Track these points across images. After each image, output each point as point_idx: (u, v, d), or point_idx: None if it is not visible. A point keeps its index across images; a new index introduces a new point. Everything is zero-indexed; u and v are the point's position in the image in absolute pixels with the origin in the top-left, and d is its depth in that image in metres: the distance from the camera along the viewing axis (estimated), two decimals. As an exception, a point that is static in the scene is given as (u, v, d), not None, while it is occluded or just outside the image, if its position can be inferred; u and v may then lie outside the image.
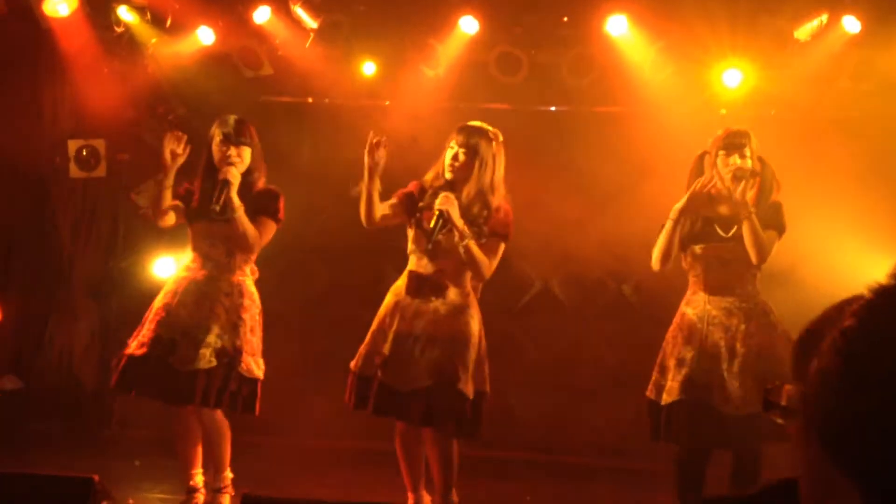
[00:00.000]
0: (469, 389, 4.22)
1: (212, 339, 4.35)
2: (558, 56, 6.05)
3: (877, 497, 0.90)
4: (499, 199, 4.31)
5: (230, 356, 4.36)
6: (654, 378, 4.35)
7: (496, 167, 4.31)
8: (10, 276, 6.46)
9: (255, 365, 4.45)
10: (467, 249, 4.18)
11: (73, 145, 6.29)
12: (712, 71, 5.85)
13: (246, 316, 4.43)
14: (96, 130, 6.34)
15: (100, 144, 6.32)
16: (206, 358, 4.33)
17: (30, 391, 6.34)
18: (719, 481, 4.33)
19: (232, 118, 4.50)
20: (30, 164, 6.35)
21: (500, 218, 4.30)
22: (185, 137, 4.54)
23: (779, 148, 5.35)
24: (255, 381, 4.46)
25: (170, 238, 6.42)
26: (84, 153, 6.28)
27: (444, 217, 4.14)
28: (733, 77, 5.79)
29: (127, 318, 6.53)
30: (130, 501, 4.74)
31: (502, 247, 4.33)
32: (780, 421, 1.15)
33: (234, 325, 4.39)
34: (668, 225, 4.28)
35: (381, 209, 4.28)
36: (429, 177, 4.39)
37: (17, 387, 6.30)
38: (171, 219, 4.51)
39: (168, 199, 4.44)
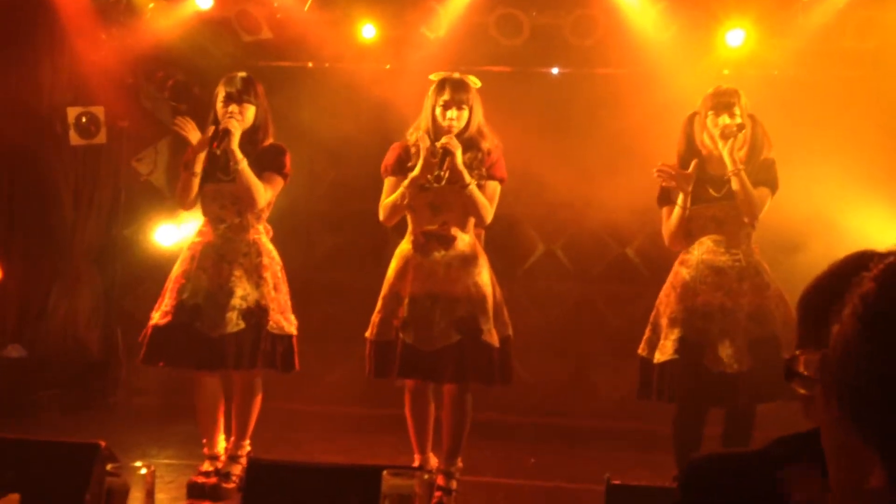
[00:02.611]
0: (494, 338, 4.29)
1: (236, 301, 4.34)
2: (560, 17, 5.99)
3: None
4: (488, 141, 4.33)
5: (257, 316, 4.36)
6: (646, 335, 4.40)
7: (479, 112, 4.36)
8: (12, 244, 6.46)
9: (284, 321, 4.45)
10: (470, 194, 4.21)
11: (72, 112, 6.26)
12: (715, 31, 5.79)
13: (267, 274, 4.42)
14: (95, 97, 6.30)
15: (99, 111, 6.28)
16: (234, 321, 4.32)
17: (34, 359, 6.36)
18: (715, 441, 4.36)
19: (239, 76, 4.44)
20: (29, 132, 6.32)
21: (493, 161, 4.34)
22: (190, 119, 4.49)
23: (782, 108, 5.32)
24: (288, 337, 4.46)
25: (172, 205, 6.42)
26: (83, 120, 6.25)
27: (449, 154, 4.16)
28: (736, 37, 5.74)
29: (130, 284, 6.57)
30: (138, 463, 4.77)
31: (499, 189, 4.37)
32: (801, 391, 1.14)
33: (256, 285, 4.38)
34: (677, 210, 4.28)
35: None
36: (413, 137, 4.37)
37: (22, 355, 6.32)
38: (197, 203, 4.49)
39: (196, 187, 4.40)
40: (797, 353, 1.15)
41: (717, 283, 4.26)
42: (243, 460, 4.41)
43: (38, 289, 6.51)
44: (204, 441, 4.49)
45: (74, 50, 6.22)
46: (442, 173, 4.19)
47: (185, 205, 4.50)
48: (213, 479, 4.41)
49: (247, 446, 4.51)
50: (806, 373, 1.10)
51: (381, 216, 4.41)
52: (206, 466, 4.45)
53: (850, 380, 0.91)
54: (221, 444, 4.50)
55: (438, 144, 4.21)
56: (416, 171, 4.26)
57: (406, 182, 4.28)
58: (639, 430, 5.65)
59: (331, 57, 6.34)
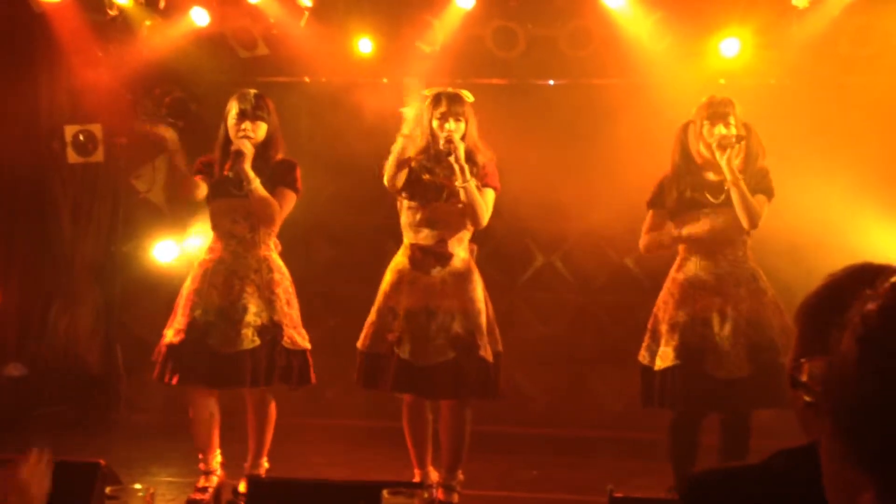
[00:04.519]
0: (488, 354, 4.30)
1: (250, 318, 4.34)
2: (555, 29, 6.01)
3: (890, 490, 0.87)
4: (483, 155, 4.37)
5: (272, 332, 4.36)
6: (645, 343, 4.41)
7: (473, 126, 4.39)
8: (11, 262, 6.46)
9: (298, 336, 4.45)
10: (468, 191, 4.24)
11: (69, 131, 6.27)
12: (710, 41, 5.81)
13: (279, 290, 4.43)
14: (93, 115, 6.31)
15: (97, 129, 6.30)
16: (249, 338, 4.32)
17: (35, 377, 6.35)
18: (711, 451, 4.35)
19: (252, 93, 4.47)
20: (27, 151, 6.33)
21: (488, 171, 4.37)
22: (169, 120, 4.50)
23: (779, 116, 5.33)
24: (303, 352, 4.46)
25: (170, 221, 6.42)
26: (81, 138, 6.26)
27: (453, 147, 4.19)
28: (731, 46, 5.75)
29: (129, 301, 6.57)
30: (137, 485, 4.76)
31: (493, 197, 4.39)
32: (807, 398, 1.12)
33: (269, 301, 4.38)
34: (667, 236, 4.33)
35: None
36: (412, 153, 4.38)
37: (22, 373, 6.31)
38: (202, 190, 4.46)
39: (195, 191, 4.42)
40: (802, 360, 1.14)
41: (715, 289, 4.27)
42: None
43: (37, 306, 6.52)
44: (200, 457, 4.48)
45: (71, 68, 6.24)
46: (442, 147, 4.21)
47: (186, 191, 4.48)
48: (210, 496, 4.40)
49: (265, 463, 4.51)
50: (809, 382, 1.09)
51: (387, 181, 4.40)
52: (203, 482, 4.44)
53: (845, 400, 0.90)
54: (217, 459, 4.49)
55: (441, 144, 4.25)
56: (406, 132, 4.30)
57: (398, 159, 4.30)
58: (641, 440, 5.64)
59: (327, 72, 6.36)
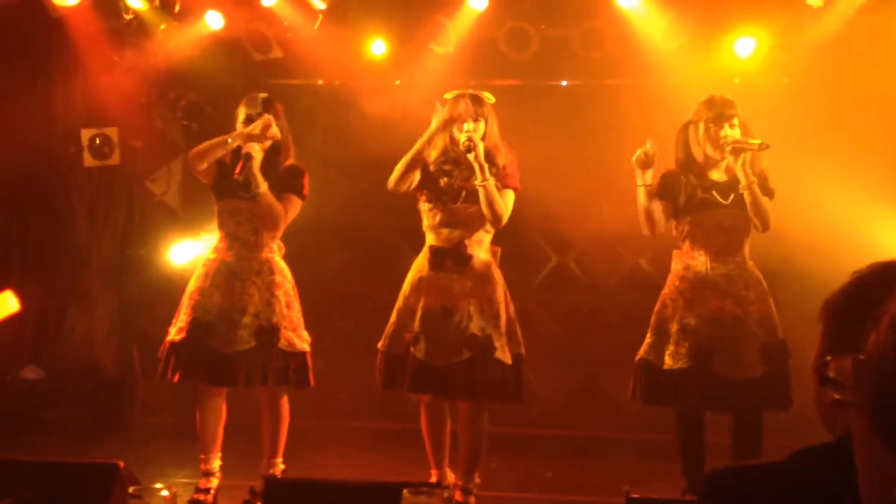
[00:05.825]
0: (506, 356, 4.29)
1: (248, 319, 4.38)
2: (568, 30, 6.01)
3: None
4: (503, 156, 4.38)
5: (268, 334, 4.39)
6: (649, 340, 4.38)
7: (494, 127, 4.41)
8: (28, 266, 6.50)
9: (296, 339, 4.48)
10: (487, 190, 4.25)
11: (86, 134, 6.31)
12: (724, 40, 5.79)
13: (279, 292, 4.45)
14: (109, 118, 6.35)
15: (113, 132, 6.33)
16: (245, 339, 4.36)
17: (51, 379, 6.38)
18: (724, 450, 4.35)
19: (260, 97, 4.50)
20: (44, 154, 6.37)
21: (509, 172, 4.39)
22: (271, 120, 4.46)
23: (794, 116, 5.32)
24: (301, 354, 4.49)
25: (185, 224, 6.45)
26: (97, 142, 6.30)
27: (472, 146, 4.20)
28: (745, 46, 5.74)
29: (145, 303, 6.59)
30: (158, 485, 4.77)
31: (513, 197, 4.40)
32: (836, 396, 1.12)
33: (268, 303, 4.41)
34: (642, 193, 4.31)
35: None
36: (433, 155, 4.40)
37: (39, 376, 6.34)
38: (209, 171, 4.48)
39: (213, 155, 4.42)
40: (828, 358, 1.14)
41: (726, 291, 4.28)
42: None
43: (53, 309, 6.54)
44: (202, 457, 4.51)
45: (87, 72, 6.28)
46: (461, 146, 4.22)
47: (200, 159, 4.45)
48: (213, 497, 4.43)
49: (280, 464, 4.53)
50: (838, 378, 1.09)
51: (391, 182, 4.38)
52: (204, 483, 4.48)
53: (882, 392, 0.90)
54: (217, 461, 4.52)
55: (461, 143, 4.26)
56: (426, 137, 4.31)
57: (419, 143, 4.32)
58: (656, 442, 5.62)
59: (341, 74, 6.37)
